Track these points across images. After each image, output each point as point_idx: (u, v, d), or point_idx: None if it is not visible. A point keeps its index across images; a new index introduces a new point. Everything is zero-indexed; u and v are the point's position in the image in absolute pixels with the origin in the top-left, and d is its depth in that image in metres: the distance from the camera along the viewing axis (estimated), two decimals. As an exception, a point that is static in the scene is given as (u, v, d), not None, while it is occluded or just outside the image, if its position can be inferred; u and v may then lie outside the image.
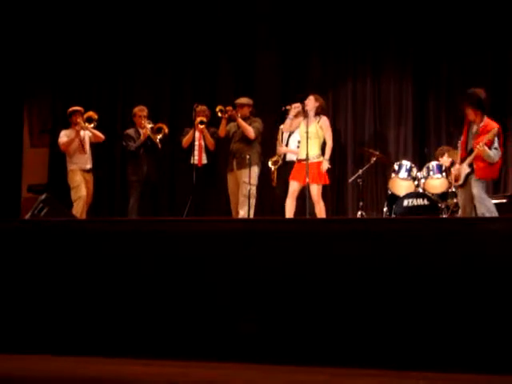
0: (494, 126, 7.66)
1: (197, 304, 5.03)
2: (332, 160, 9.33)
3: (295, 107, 8.95)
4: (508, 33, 10.59)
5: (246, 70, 11.47)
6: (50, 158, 11.94)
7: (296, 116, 8.98)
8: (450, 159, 9.28)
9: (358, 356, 4.71)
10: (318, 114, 8.94)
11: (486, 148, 7.55)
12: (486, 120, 7.77)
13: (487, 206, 7.62)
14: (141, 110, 9.72)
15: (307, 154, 8.60)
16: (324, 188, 9.11)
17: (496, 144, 7.63)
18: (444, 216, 8.68)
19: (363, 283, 4.76)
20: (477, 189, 7.66)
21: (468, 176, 7.77)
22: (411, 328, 4.62)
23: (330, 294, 4.87)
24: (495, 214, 7.61)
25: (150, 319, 5.03)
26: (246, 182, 9.03)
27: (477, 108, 7.73)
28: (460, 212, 8.04)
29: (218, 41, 11.55)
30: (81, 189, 9.44)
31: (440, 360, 4.50)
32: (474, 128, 7.78)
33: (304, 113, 8.93)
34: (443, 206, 8.89)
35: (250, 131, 9.18)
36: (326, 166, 8.81)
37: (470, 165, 7.71)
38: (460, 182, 7.86)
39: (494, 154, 7.61)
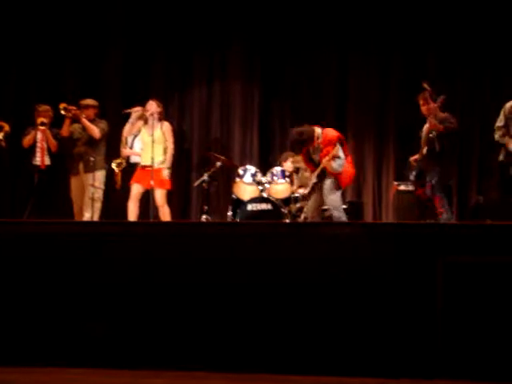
0: (333, 137, 7.94)
1: (39, 307, 4.92)
2: (178, 164, 9.35)
3: (135, 111, 8.91)
4: (348, 35, 11.00)
5: (93, 70, 11.24)
6: None
7: (137, 120, 8.95)
8: (293, 165, 9.53)
9: (202, 359, 4.77)
10: (159, 119, 8.95)
11: (331, 161, 7.81)
12: (324, 132, 8.04)
13: (340, 213, 7.95)
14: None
15: (152, 159, 8.64)
16: (169, 192, 9.12)
17: (340, 153, 7.90)
18: (287, 221, 8.86)
19: (204, 286, 4.84)
20: (331, 198, 7.94)
21: (314, 185, 8.04)
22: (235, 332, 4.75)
23: (173, 296, 4.90)
24: (339, 214, 7.96)
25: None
26: (91, 185, 8.88)
27: (308, 143, 8.01)
28: (308, 217, 8.22)
29: (64, 40, 11.24)
30: None
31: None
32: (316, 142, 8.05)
33: (144, 117, 8.91)
34: (286, 211, 9.07)
35: (95, 131, 9.01)
36: (166, 173, 8.86)
37: (318, 175, 7.97)
38: (306, 191, 8.14)
39: (338, 164, 7.88)
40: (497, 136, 7.73)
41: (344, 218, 8.01)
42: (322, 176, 8.00)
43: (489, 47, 10.46)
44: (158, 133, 8.89)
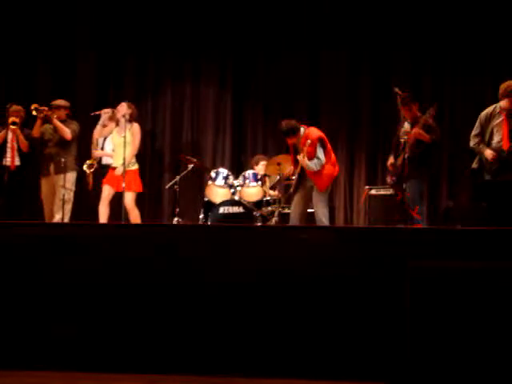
0: (312, 137, 8.00)
1: (5, 309, 4.88)
2: (150, 166, 9.33)
3: (105, 113, 8.89)
4: (319, 37, 11.05)
5: (65, 71, 11.18)
6: None
7: (108, 122, 8.92)
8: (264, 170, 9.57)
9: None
10: (130, 121, 8.94)
11: (305, 159, 7.93)
12: (306, 132, 8.14)
13: (324, 213, 8.05)
14: None
15: (124, 161, 8.64)
16: (141, 194, 9.10)
17: (318, 153, 8.00)
18: (259, 224, 8.87)
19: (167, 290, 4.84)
20: (315, 198, 8.09)
21: (298, 185, 8.18)
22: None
23: (143, 298, 4.88)
24: (327, 222, 8.07)
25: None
26: (62, 187, 8.82)
27: (290, 136, 8.16)
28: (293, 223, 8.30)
29: (36, 40, 11.17)
30: None
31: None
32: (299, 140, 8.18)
33: (115, 119, 8.90)
34: (258, 214, 9.07)
35: (67, 132, 8.95)
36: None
37: (299, 174, 8.11)
38: (291, 190, 8.23)
39: (314, 163, 8.00)
40: (472, 144, 7.79)
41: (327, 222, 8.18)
42: (303, 175, 8.10)
43: (457, 50, 10.59)
44: (128, 135, 8.88)
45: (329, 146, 8.25)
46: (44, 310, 4.93)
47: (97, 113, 8.93)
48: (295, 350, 4.76)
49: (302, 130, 8.20)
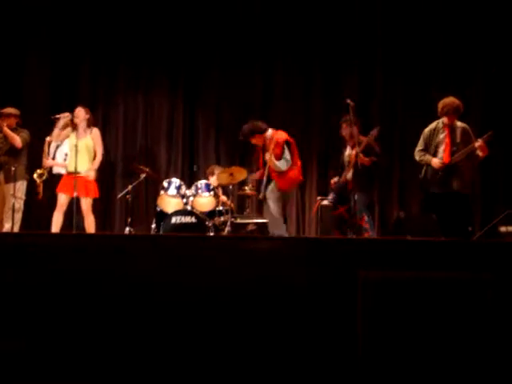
0: (279, 139, 8.08)
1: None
2: (102, 175, 9.26)
3: (64, 117, 8.78)
4: (271, 47, 11.15)
5: (15, 78, 11.03)
6: None
7: (64, 127, 8.83)
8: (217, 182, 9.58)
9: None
10: (89, 126, 8.90)
11: (273, 158, 8.02)
12: (271, 133, 8.20)
13: (274, 208, 8.08)
14: None
15: (80, 166, 8.62)
16: (93, 203, 9.02)
17: (285, 154, 8.07)
18: (211, 234, 8.86)
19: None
20: (270, 193, 8.12)
21: (266, 189, 8.20)
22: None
23: (95, 310, 4.85)
24: (280, 225, 8.08)
25: None
26: (12, 195, 8.70)
27: (254, 136, 8.22)
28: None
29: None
30: None
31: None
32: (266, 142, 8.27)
33: (73, 124, 8.81)
34: (210, 224, 9.05)
35: (17, 140, 8.84)
36: (92, 175, 8.81)
37: (268, 176, 8.15)
38: (260, 195, 8.22)
39: (281, 163, 8.07)
40: (418, 157, 8.02)
41: (283, 232, 8.13)
42: (269, 179, 8.17)
43: (405, 64, 10.80)
44: (87, 139, 8.84)
45: (296, 151, 8.28)
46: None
47: (57, 116, 8.79)
48: (250, 358, 4.76)
49: (269, 131, 8.24)
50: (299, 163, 8.36)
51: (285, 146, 8.11)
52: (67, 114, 8.79)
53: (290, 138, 8.27)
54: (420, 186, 8.35)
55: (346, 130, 8.33)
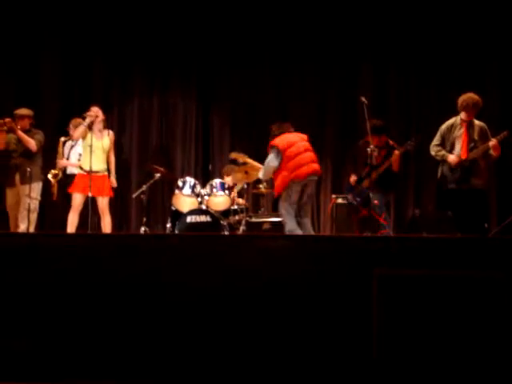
0: (270, 144, 8.00)
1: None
2: (117, 175, 9.28)
3: (90, 116, 8.74)
4: (285, 50, 11.11)
5: (29, 79, 11.07)
6: None
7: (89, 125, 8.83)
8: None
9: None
10: (104, 127, 8.93)
11: (258, 165, 8.16)
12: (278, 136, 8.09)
13: (282, 212, 7.98)
14: None
15: (98, 165, 8.69)
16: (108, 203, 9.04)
17: (268, 160, 7.94)
18: (226, 233, 8.85)
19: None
20: (279, 205, 8.04)
21: None
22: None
23: (111, 309, 4.85)
24: (287, 220, 7.92)
25: None
26: (27, 196, 8.72)
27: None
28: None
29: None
30: None
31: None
32: None
33: (90, 124, 8.79)
34: (225, 223, 9.04)
35: (32, 144, 8.85)
36: (114, 182, 8.98)
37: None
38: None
39: (262, 173, 8.16)
40: (433, 152, 8.01)
41: (294, 229, 7.94)
42: None
43: (420, 63, 10.75)
44: (103, 140, 8.88)
45: (288, 153, 7.90)
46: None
47: (87, 114, 8.76)
48: (265, 358, 4.75)
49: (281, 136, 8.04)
50: (294, 163, 7.87)
51: (271, 151, 7.94)
52: (93, 113, 8.78)
53: (284, 143, 7.93)
54: (437, 185, 8.33)
55: (375, 139, 8.30)
